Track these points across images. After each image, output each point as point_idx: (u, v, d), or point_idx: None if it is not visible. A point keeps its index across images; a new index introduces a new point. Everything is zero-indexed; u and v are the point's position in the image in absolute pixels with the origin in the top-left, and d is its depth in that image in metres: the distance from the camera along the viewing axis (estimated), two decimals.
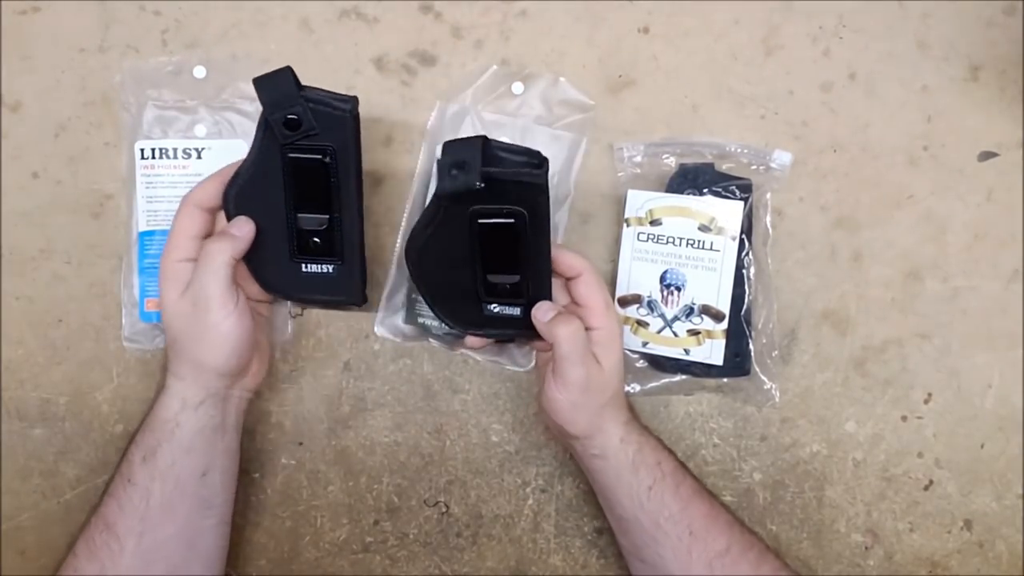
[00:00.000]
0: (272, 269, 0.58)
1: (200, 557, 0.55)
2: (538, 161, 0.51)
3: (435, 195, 0.52)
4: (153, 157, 0.62)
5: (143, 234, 0.62)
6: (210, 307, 0.52)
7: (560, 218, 0.63)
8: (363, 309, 0.62)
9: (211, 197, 0.55)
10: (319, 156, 0.54)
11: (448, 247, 0.54)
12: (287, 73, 0.53)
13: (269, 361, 0.60)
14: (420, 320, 0.62)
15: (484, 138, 0.51)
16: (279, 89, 0.52)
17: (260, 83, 0.53)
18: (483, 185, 0.50)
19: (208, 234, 0.55)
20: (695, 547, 0.53)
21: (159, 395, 0.55)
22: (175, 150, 0.62)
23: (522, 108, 0.63)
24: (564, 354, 0.52)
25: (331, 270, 0.58)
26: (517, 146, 0.52)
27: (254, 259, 0.56)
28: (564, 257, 0.55)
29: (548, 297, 0.55)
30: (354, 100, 0.54)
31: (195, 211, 0.54)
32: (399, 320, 0.62)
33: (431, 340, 0.63)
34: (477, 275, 0.55)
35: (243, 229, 0.54)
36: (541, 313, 0.54)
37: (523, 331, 0.56)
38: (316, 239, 0.57)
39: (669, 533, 0.53)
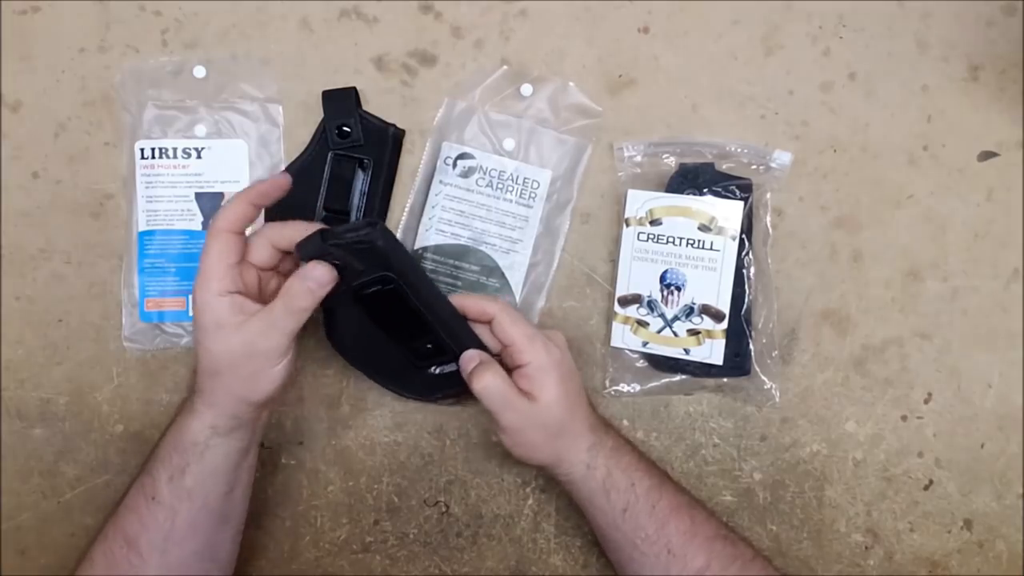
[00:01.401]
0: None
1: (218, 566, 0.56)
2: (371, 222, 0.51)
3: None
4: (153, 157, 0.62)
5: (143, 234, 0.62)
6: (271, 356, 0.50)
7: (561, 223, 0.63)
8: None
9: (242, 219, 0.51)
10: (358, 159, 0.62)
11: (360, 328, 0.55)
12: (352, 91, 0.62)
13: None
14: None
15: (322, 230, 0.51)
16: (342, 103, 0.62)
17: (328, 95, 0.62)
18: (334, 257, 0.50)
19: (242, 258, 0.51)
20: (673, 566, 0.53)
21: (186, 416, 0.52)
22: (175, 150, 0.63)
23: (529, 110, 0.63)
24: (487, 406, 0.53)
25: None
26: (357, 222, 0.57)
27: None
28: (471, 304, 0.55)
29: (474, 345, 0.55)
30: (398, 129, 0.63)
31: (229, 237, 0.50)
32: None
33: None
34: (399, 345, 0.56)
35: (325, 279, 0.50)
36: (464, 364, 0.54)
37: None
38: None
39: (647, 553, 0.53)
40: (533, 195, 0.63)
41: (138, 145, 0.62)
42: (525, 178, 0.63)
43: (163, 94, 0.63)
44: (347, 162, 0.62)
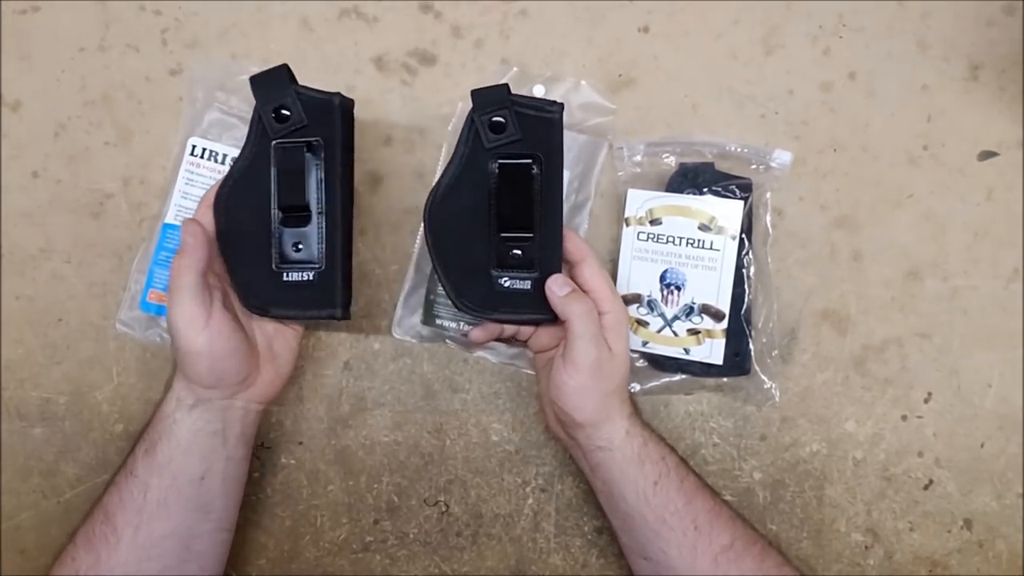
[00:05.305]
0: (254, 281, 0.55)
1: (196, 560, 0.54)
2: (555, 102, 0.55)
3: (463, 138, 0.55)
4: (202, 156, 0.63)
5: (166, 226, 0.62)
6: (178, 329, 0.51)
7: (580, 223, 0.63)
8: (342, 321, 0.56)
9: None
10: (306, 154, 0.55)
11: (465, 203, 0.55)
12: (283, 69, 0.55)
13: (290, 374, 0.59)
14: (438, 321, 0.62)
15: (507, 86, 0.55)
16: (273, 83, 0.55)
17: (256, 80, 0.54)
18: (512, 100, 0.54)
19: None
20: (700, 542, 0.53)
21: (165, 393, 0.56)
22: (224, 156, 0.63)
23: None
24: (578, 332, 0.52)
25: (312, 277, 0.55)
26: (537, 98, 0.57)
27: (237, 272, 0.55)
28: (570, 238, 0.55)
29: (559, 270, 0.55)
30: (345, 97, 0.56)
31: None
32: (417, 321, 0.62)
33: (448, 342, 0.63)
34: (491, 237, 0.55)
35: (187, 238, 0.52)
36: (556, 286, 0.54)
37: (533, 313, 0.55)
38: (298, 244, 0.55)
39: (674, 528, 0.53)
40: None
41: (191, 140, 0.63)
42: None
43: (231, 100, 0.63)
44: (293, 149, 0.54)
